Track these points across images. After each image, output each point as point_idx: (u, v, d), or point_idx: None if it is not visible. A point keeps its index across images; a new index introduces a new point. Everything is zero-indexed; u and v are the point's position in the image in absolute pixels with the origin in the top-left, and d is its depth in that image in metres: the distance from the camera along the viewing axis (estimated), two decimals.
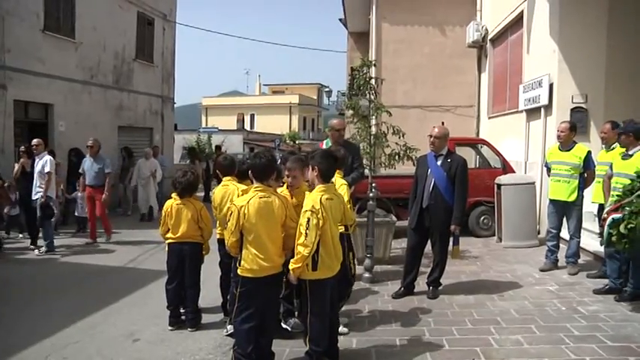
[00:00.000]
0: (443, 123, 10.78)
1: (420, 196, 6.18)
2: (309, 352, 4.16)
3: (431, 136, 6.24)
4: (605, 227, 5.51)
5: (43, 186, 9.02)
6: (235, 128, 44.73)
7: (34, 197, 9.15)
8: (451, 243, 6.20)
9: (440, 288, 6.35)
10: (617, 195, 5.71)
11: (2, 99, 11.59)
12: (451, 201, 6.01)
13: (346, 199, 4.77)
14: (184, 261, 5.38)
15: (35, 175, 9.19)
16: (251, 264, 4.05)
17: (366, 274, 6.88)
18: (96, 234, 10.22)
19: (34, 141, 9.54)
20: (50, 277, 7.77)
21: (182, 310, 5.50)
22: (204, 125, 46.45)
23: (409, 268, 6.32)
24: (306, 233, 3.96)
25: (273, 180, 4.28)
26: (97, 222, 10.28)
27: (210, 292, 5.79)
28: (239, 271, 4.13)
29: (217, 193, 5.33)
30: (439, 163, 6.15)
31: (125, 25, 16.37)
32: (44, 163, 9.15)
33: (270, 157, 4.30)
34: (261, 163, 4.21)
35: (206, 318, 5.55)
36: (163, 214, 5.47)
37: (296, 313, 5.09)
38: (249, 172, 4.36)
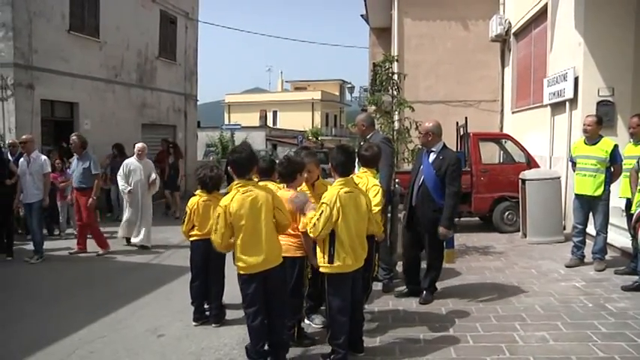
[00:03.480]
0: (466, 118, 10.77)
1: (410, 193, 5.95)
2: (331, 346, 4.21)
3: (420, 131, 5.90)
4: None
5: (41, 187, 8.54)
6: (258, 125, 44.89)
7: (30, 201, 8.48)
8: (445, 246, 5.84)
9: (434, 293, 5.94)
10: None
11: (30, 98, 11.82)
12: (440, 201, 5.62)
13: (375, 202, 4.71)
14: (210, 257, 5.40)
15: (30, 177, 8.45)
16: (244, 261, 4.04)
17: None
18: (85, 242, 9.09)
19: (24, 137, 8.87)
20: (75, 275, 7.90)
21: (206, 306, 5.54)
22: (226, 122, 46.72)
23: (404, 268, 6.15)
24: (314, 223, 4.06)
25: (255, 173, 4.35)
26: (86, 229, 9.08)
27: (233, 288, 5.73)
28: (238, 269, 4.15)
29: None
30: (430, 160, 5.78)
31: (148, 24, 16.56)
32: (44, 163, 8.63)
33: (249, 151, 4.24)
34: (241, 158, 4.14)
35: (230, 314, 5.58)
36: (188, 211, 5.47)
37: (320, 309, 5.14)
38: (229, 168, 4.36)
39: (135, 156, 9.59)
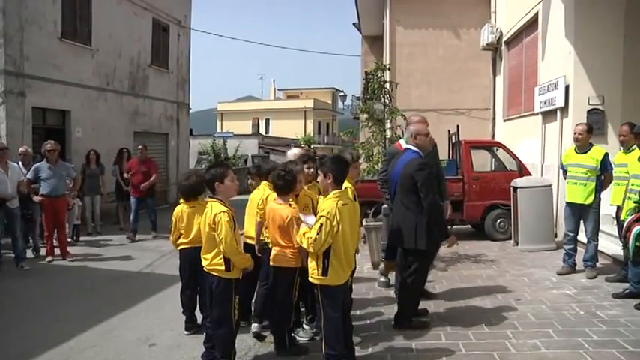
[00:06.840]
0: (458, 126, 10.83)
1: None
2: (326, 356, 4.16)
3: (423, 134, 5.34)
4: (631, 240, 5.41)
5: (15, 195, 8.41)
6: (250, 133, 44.88)
7: (13, 206, 8.40)
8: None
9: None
10: (635, 202, 5.64)
11: (21, 106, 11.76)
12: None
13: None
14: (198, 265, 5.33)
15: (12, 184, 8.33)
16: None
17: (382, 278, 6.85)
18: (54, 249, 9.19)
19: (2, 143, 8.93)
20: (67, 283, 7.84)
21: (198, 314, 5.48)
22: (219, 130, 46.67)
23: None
24: (315, 238, 3.98)
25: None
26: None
27: None
28: None
29: (255, 195, 5.29)
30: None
31: (140, 32, 16.58)
32: (20, 170, 8.70)
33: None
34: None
35: None
36: (174, 220, 5.40)
37: (303, 322, 5.18)
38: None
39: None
